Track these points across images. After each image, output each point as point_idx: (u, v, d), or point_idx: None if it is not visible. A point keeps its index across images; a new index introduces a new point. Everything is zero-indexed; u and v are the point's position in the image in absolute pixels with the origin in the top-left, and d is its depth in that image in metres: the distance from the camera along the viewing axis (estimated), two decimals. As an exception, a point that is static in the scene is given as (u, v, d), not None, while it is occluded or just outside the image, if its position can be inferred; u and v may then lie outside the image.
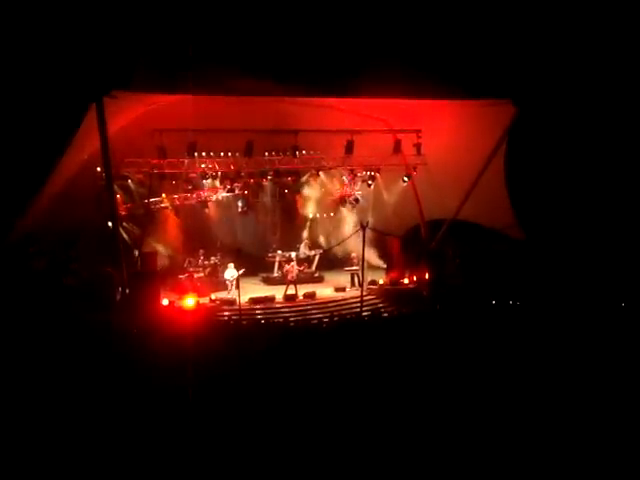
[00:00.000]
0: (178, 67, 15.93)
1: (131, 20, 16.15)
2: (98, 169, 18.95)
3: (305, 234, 25.82)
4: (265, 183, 24.13)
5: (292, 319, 16.32)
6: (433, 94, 18.41)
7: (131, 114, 18.25)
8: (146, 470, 6.35)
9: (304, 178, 24.36)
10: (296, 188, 25.15)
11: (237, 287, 19.96)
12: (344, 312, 18.64)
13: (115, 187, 18.78)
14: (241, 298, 18.65)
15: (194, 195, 22.38)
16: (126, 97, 16.27)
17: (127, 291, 17.94)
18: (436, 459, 6.35)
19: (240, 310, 18.15)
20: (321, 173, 23.11)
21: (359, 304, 18.58)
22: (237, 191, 23.09)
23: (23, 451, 6.66)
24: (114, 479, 6.30)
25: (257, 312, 19.36)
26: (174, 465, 6.42)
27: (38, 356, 9.52)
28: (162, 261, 21.12)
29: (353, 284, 23.02)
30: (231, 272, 21.34)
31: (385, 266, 24.02)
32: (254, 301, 20.36)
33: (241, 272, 20.66)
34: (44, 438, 6.90)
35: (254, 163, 21.95)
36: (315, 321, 14.87)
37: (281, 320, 14.23)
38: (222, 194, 23.04)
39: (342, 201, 24.53)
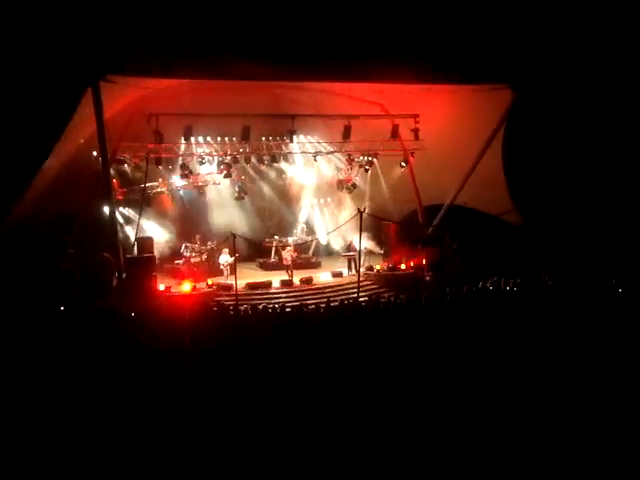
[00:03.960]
0: (174, 51, 15.85)
1: (127, 4, 16.03)
2: (94, 153, 18.91)
3: (302, 219, 25.83)
4: (262, 168, 24.13)
5: (289, 304, 16.32)
6: (431, 79, 18.36)
7: (127, 98, 18.15)
8: (144, 454, 6.38)
9: (301, 163, 24.32)
10: (293, 173, 25.13)
11: (232, 272, 20.10)
12: (341, 297, 18.65)
13: (111, 172, 18.70)
14: (238, 283, 18.66)
15: (191, 180, 22.32)
16: (122, 81, 16.17)
17: (124, 276, 17.96)
18: (437, 450, 6.36)
19: (236, 295, 18.17)
20: (318, 158, 23.02)
21: (356, 289, 18.59)
22: (234, 176, 23.04)
23: (27, 429, 6.72)
24: (114, 459, 6.33)
25: (253, 297, 19.36)
26: (172, 450, 6.44)
27: (35, 341, 9.52)
28: (159, 246, 21.14)
29: (350, 269, 23.04)
30: (225, 257, 21.42)
31: (382, 251, 24.04)
32: (251, 286, 20.40)
33: (233, 258, 20.76)
34: (43, 426, 6.92)
35: (251, 148, 21.92)
36: (312, 306, 14.87)
37: (277, 305, 14.23)
38: (219, 179, 23.00)
39: (339, 186, 24.50)
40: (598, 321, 10.18)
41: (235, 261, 19.63)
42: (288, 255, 22.08)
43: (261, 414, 7.07)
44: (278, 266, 23.05)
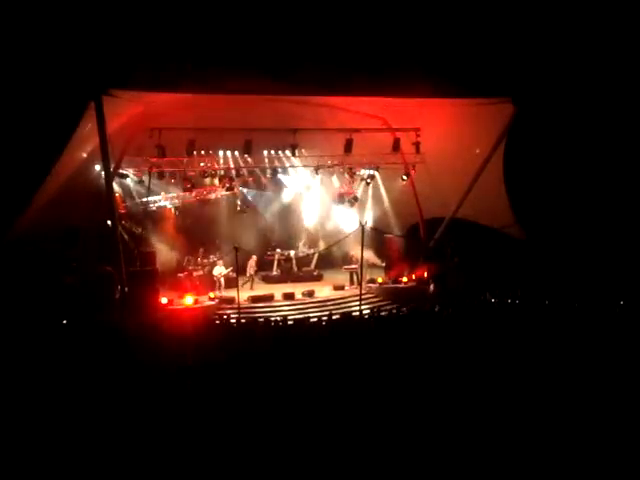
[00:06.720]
0: (177, 65, 15.93)
1: (129, 18, 16.13)
2: (97, 168, 19.00)
3: (304, 232, 25.90)
4: (264, 181, 24.23)
5: (291, 317, 16.35)
6: (433, 93, 18.39)
7: (130, 112, 18.23)
8: (144, 465, 6.38)
9: (303, 176, 24.39)
10: (295, 186, 25.21)
11: (225, 285, 20.29)
12: (343, 310, 18.67)
13: (114, 185, 18.78)
14: (240, 296, 18.69)
15: (193, 193, 22.41)
16: (124, 95, 16.26)
17: (126, 290, 17.97)
18: (436, 459, 6.35)
19: (239, 308, 18.19)
20: (320, 172, 23.08)
21: (358, 302, 18.60)
22: (236, 189, 23.12)
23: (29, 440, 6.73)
24: (113, 471, 6.33)
25: (256, 310, 19.39)
26: (172, 462, 6.44)
27: (37, 355, 9.54)
28: (161, 260, 21.19)
29: (352, 282, 23.07)
30: (219, 269, 21.47)
31: (384, 265, 24.07)
32: (253, 299, 20.43)
33: (229, 270, 20.88)
34: (44, 438, 6.93)
35: (253, 161, 22.03)
36: (314, 319, 14.90)
37: (279, 318, 14.26)
38: (221, 192, 23.09)
39: (341, 199, 24.56)
40: (600, 333, 10.19)
41: (237, 274, 19.63)
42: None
43: (263, 423, 7.07)
44: (281, 279, 23.12)
